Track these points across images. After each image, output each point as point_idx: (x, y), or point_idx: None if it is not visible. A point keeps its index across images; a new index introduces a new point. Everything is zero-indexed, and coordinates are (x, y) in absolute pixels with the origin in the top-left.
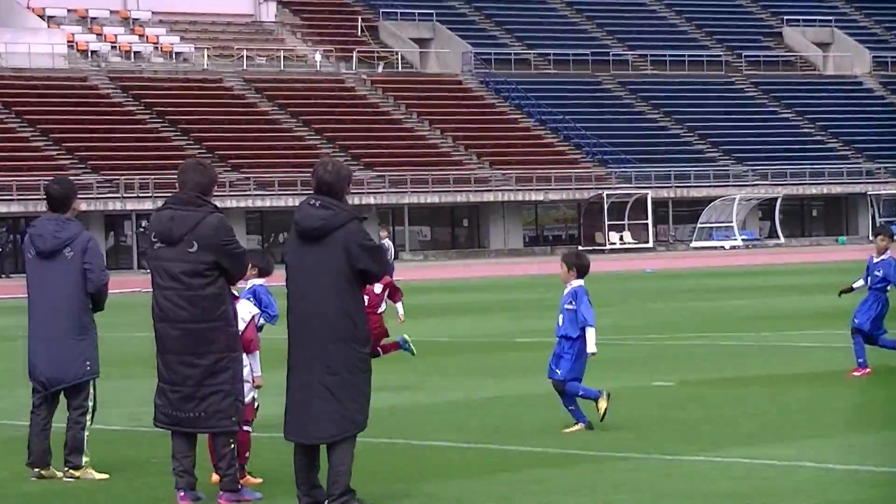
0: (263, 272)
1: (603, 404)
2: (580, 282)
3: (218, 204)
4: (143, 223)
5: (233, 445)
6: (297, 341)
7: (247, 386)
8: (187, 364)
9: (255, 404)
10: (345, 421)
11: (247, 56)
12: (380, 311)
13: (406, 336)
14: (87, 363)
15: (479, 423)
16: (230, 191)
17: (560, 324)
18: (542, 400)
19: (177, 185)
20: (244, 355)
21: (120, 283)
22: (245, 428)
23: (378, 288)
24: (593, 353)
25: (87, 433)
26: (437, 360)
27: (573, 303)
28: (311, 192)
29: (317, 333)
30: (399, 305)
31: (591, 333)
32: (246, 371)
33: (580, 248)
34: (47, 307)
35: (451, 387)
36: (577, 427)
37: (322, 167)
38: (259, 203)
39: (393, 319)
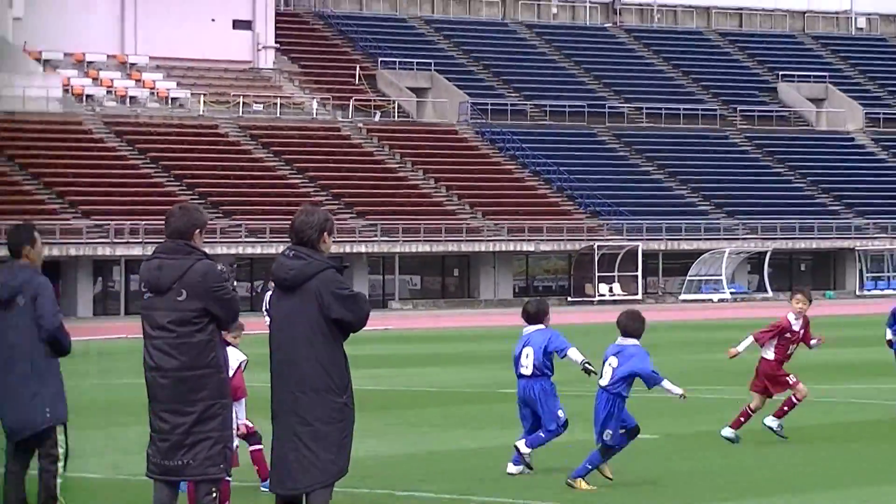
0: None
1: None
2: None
3: (208, 250)
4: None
5: (215, 494)
6: (274, 391)
7: None
8: (177, 412)
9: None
10: (318, 471)
11: (243, 102)
12: None
13: None
14: (47, 410)
15: (462, 474)
16: (221, 237)
17: None
18: None
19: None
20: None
21: (108, 329)
22: (226, 477)
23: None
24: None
25: (59, 481)
26: (423, 410)
27: None
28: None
29: (289, 384)
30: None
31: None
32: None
33: (569, 299)
34: (5, 356)
35: (435, 437)
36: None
37: (296, 216)
38: (250, 250)
39: None
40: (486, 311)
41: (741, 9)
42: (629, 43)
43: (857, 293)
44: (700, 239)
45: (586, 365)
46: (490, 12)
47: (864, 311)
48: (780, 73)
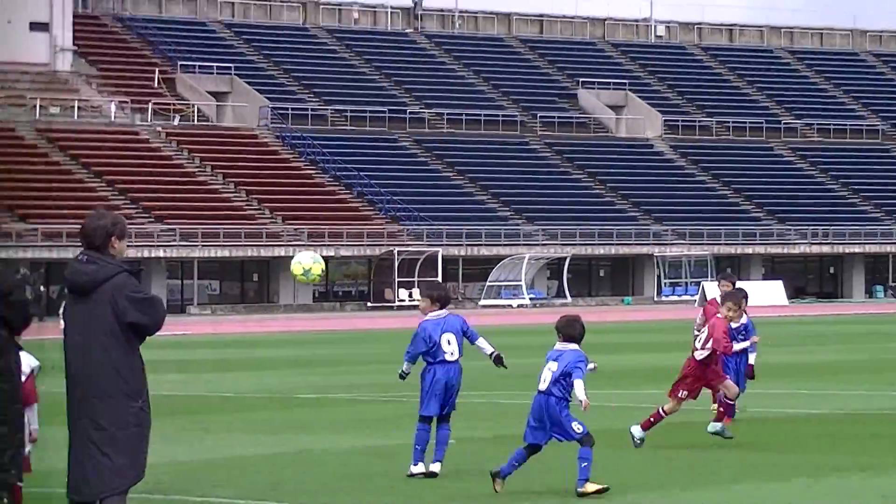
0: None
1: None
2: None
3: (3, 255)
4: None
5: (6, 500)
6: (69, 397)
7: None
8: None
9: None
10: (113, 476)
11: (40, 105)
12: None
13: None
14: None
15: (257, 480)
16: (17, 241)
17: None
18: (321, 457)
19: None
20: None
21: None
22: (18, 483)
23: None
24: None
25: None
26: (220, 415)
27: None
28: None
29: (84, 389)
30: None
31: None
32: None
33: (369, 304)
34: None
35: (232, 442)
36: None
37: (85, 220)
38: (46, 254)
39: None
40: (286, 316)
41: (542, 16)
42: (430, 49)
43: (655, 299)
44: (500, 245)
45: (499, 355)
46: (291, 17)
47: (662, 317)
48: (580, 79)
